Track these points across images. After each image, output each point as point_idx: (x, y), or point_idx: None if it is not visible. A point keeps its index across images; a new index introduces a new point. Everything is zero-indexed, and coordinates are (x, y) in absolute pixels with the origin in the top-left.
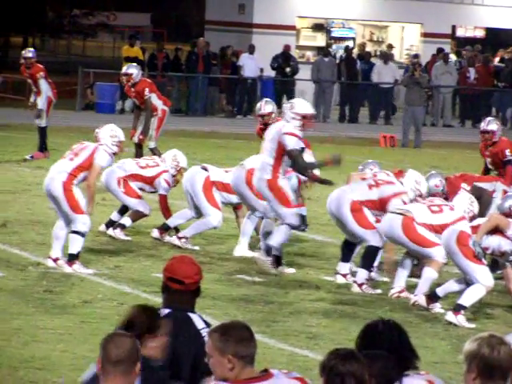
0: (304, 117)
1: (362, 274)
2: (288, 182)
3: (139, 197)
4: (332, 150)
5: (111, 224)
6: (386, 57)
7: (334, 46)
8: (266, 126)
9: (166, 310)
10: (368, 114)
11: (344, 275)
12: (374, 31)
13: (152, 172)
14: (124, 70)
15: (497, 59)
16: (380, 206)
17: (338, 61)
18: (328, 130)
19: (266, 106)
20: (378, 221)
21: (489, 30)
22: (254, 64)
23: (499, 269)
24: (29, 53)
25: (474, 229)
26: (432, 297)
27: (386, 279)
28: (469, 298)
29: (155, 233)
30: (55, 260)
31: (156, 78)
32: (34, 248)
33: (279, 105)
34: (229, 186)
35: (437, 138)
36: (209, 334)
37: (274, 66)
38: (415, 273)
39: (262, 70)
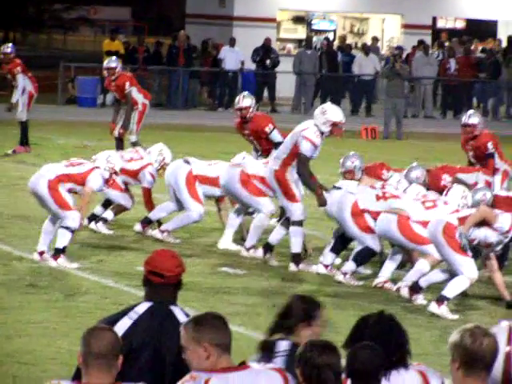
0: (335, 124)
1: (350, 266)
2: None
3: (122, 190)
4: None
5: (94, 218)
6: (369, 49)
7: (314, 38)
8: (244, 119)
9: (148, 304)
10: (349, 106)
11: (326, 266)
12: (355, 23)
13: (137, 165)
14: (106, 63)
15: (479, 49)
16: None
17: (318, 53)
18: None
19: (244, 99)
20: None
21: (469, 21)
22: (235, 57)
23: (479, 257)
24: (7, 48)
25: (461, 220)
26: (415, 288)
27: (369, 272)
28: (452, 289)
29: (138, 226)
30: (41, 253)
31: (137, 72)
32: (17, 242)
33: (260, 97)
34: (212, 179)
35: (418, 130)
36: (183, 327)
37: (255, 59)
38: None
39: (242, 63)
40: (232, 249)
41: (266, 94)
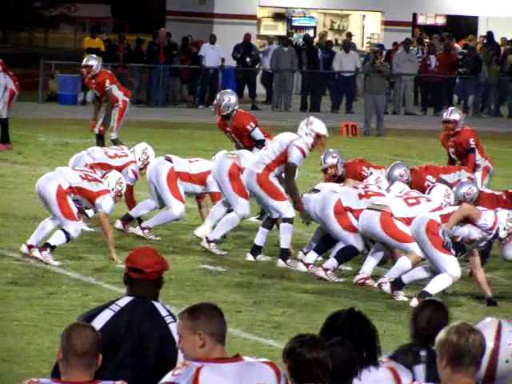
0: (318, 136)
1: (332, 262)
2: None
3: None
4: None
5: None
6: (349, 46)
7: (295, 35)
8: (225, 117)
9: (129, 298)
10: (330, 103)
11: (307, 265)
12: (335, 20)
13: (120, 162)
14: (84, 61)
15: (458, 47)
16: None
17: (298, 50)
18: (289, 119)
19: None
20: None
21: (450, 18)
22: (216, 54)
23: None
24: None
25: (444, 218)
26: (397, 283)
27: (350, 268)
28: (435, 286)
29: (118, 224)
30: (29, 247)
31: (117, 69)
32: None
33: (240, 95)
34: (193, 176)
35: (399, 126)
36: (179, 315)
37: (235, 56)
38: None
39: (223, 60)
40: (205, 245)
41: (246, 91)
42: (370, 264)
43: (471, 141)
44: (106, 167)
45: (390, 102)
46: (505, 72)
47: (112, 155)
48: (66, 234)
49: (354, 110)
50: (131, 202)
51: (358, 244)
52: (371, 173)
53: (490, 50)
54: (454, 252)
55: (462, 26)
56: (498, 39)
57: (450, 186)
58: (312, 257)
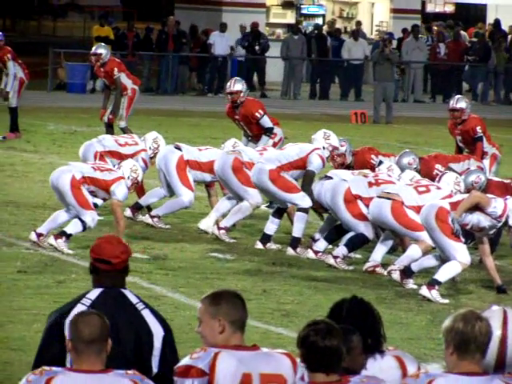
0: (335, 148)
1: (342, 250)
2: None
3: None
4: (303, 127)
5: None
6: (356, 34)
7: (304, 23)
8: (234, 104)
9: (99, 289)
10: (339, 91)
11: (316, 252)
12: (344, 8)
13: (130, 150)
14: (93, 50)
15: (472, 33)
16: None
17: (307, 38)
18: (299, 107)
19: (235, 84)
20: None
21: (458, 5)
22: (225, 42)
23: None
24: None
25: (454, 205)
26: (406, 271)
27: (359, 256)
28: (444, 273)
29: (128, 212)
30: (39, 235)
31: (126, 58)
32: (7, 228)
33: (250, 82)
34: (202, 164)
35: (408, 114)
36: (201, 300)
37: (244, 44)
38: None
39: (232, 48)
40: (209, 231)
41: (255, 78)
42: (379, 252)
43: (478, 129)
44: (116, 155)
45: (399, 90)
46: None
47: (122, 143)
48: (83, 222)
49: (362, 97)
50: (140, 191)
51: (368, 232)
52: (380, 161)
53: (499, 37)
54: (463, 239)
55: (471, 13)
56: (506, 27)
57: (459, 174)
58: (322, 245)
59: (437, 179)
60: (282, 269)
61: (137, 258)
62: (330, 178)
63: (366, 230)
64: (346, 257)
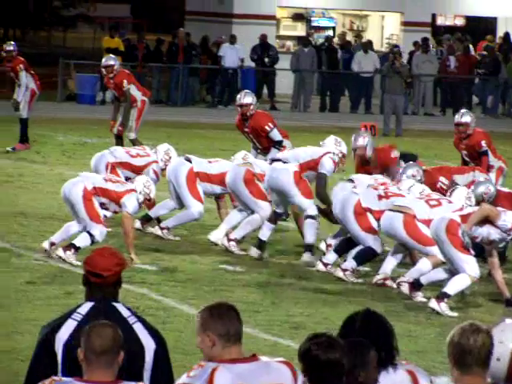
0: (344, 156)
1: (350, 264)
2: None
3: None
4: (312, 140)
5: None
6: (368, 47)
7: (315, 36)
8: (244, 116)
9: (90, 303)
10: (349, 103)
11: (326, 264)
12: (355, 20)
13: (142, 161)
14: (104, 61)
15: (482, 46)
16: None
17: (318, 50)
18: (308, 119)
19: (245, 96)
20: None
21: (469, 18)
22: (235, 54)
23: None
24: (9, 46)
25: (464, 218)
26: (415, 285)
27: (368, 269)
28: (454, 286)
29: (137, 223)
30: (52, 244)
31: (136, 69)
32: (16, 239)
33: (259, 95)
34: (212, 176)
35: (418, 127)
36: (196, 314)
37: (253, 57)
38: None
39: (242, 60)
40: (219, 244)
41: (265, 91)
42: (389, 264)
43: (483, 143)
44: (127, 166)
45: (409, 103)
46: None
47: (134, 154)
48: (91, 236)
49: (372, 110)
50: (150, 203)
51: (377, 246)
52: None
53: (509, 50)
54: (473, 252)
55: (481, 26)
56: None
57: (466, 186)
58: (331, 257)
59: (448, 193)
60: (290, 281)
61: (147, 269)
62: (352, 181)
63: (374, 243)
64: (354, 270)
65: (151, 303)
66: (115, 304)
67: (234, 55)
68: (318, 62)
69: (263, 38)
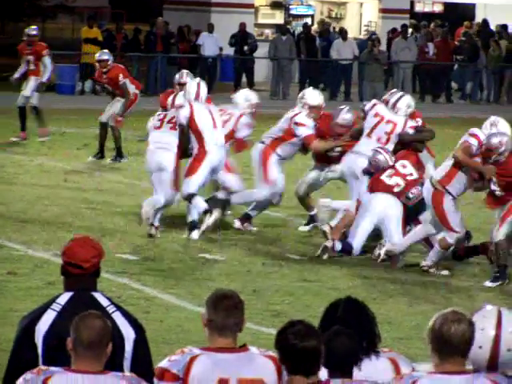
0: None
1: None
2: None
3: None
4: None
5: None
6: (346, 34)
7: (293, 24)
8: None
9: (69, 293)
10: (328, 91)
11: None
12: (333, 8)
13: (231, 124)
14: (98, 56)
15: (461, 33)
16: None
17: (296, 38)
18: (288, 107)
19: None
20: None
21: (447, 5)
22: (214, 43)
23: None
24: (33, 30)
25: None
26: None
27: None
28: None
29: (237, 223)
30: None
31: (115, 59)
32: None
33: (238, 83)
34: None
35: None
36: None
37: (231, 42)
38: (489, 256)
39: (221, 49)
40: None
41: (244, 79)
42: (432, 253)
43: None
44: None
45: (386, 90)
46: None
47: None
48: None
49: (351, 97)
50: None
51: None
52: None
53: (487, 36)
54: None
55: (460, 12)
56: (493, 26)
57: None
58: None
59: (389, 105)
60: (272, 269)
61: (128, 259)
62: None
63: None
64: (436, 263)
65: (132, 293)
66: (94, 293)
67: (213, 44)
68: (297, 50)
69: (242, 26)
